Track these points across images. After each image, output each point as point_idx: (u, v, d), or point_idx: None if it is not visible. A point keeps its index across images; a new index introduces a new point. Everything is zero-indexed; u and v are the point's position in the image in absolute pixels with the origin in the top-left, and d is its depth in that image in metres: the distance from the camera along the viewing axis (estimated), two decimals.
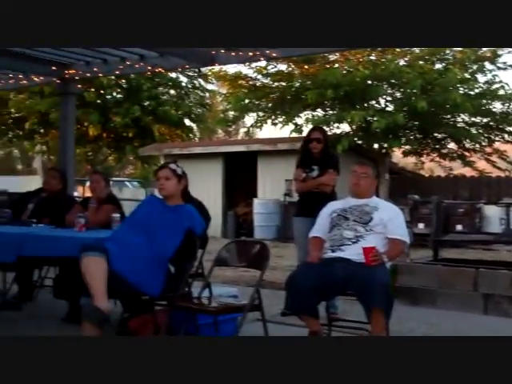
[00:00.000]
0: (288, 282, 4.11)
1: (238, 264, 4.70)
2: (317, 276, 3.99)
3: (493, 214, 12.43)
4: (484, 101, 15.24)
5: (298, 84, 15.76)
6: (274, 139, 16.68)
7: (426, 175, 20.03)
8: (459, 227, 12.59)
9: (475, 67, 15.23)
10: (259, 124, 17.20)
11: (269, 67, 16.00)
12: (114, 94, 19.55)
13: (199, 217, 4.36)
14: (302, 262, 4.75)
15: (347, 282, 3.99)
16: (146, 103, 19.13)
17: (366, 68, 14.42)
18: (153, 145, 18.60)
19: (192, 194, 4.69)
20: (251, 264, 4.51)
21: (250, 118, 18.28)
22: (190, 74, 20.04)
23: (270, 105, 16.80)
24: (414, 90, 14.16)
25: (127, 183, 23.32)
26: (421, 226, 12.69)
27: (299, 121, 16.03)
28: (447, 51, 15.23)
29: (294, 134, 15.63)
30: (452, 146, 16.85)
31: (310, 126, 14.10)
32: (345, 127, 16.21)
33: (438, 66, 15.42)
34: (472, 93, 15.16)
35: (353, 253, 4.07)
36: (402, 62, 15.09)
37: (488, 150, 16.54)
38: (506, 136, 16.14)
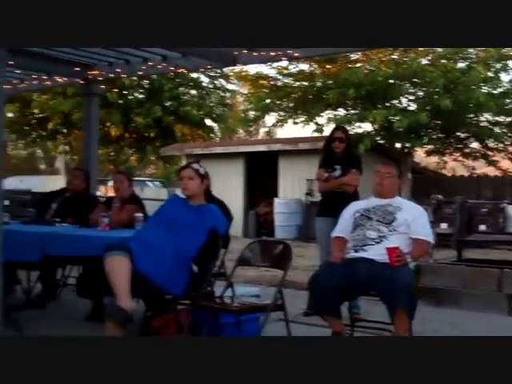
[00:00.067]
0: (311, 282, 4.10)
1: (260, 264, 4.71)
2: (340, 276, 3.98)
3: None
4: (507, 100, 15.10)
5: (319, 83, 15.72)
6: (295, 139, 16.66)
7: (449, 175, 19.89)
8: (482, 227, 12.49)
9: (499, 66, 15.08)
10: (280, 124, 17.21)
11: (290, 67, 15.99)
12: (136, 94, 19.66)
13: (222, 216, 4.37)
14: (324, 262, 4.73)
15: (370, 282, 3.97)
16: (168, 103, 19.23)
17: (389, 67, 14.35)
18: (174, 145, 18.68)
19: (213, 194, 4.71)
20: (274, 264, 4.52)
21: (270, 118, 18.29)
22: (211, 74, 20.09)
23: (291, 104, 16.78)
24: (437, 89, 14.06)
25: (149, 183, 23.42)
26: (443, 225, 12.60)
27: (320, 120, 16.03)
28: (470, 50, 15.10)
29: (316, 134, 15.61)
30: (475, 145, 16.73)
31: (332, 126, 14.10)
32: (366, 127, 16.18)
33: (461, 64, 15.30)
34: (495, 92, 15.03)
35: (376, 253, 4.05)
36: (424, 61, 14.99)
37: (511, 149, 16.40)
38: None
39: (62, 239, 4.84)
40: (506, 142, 16.16)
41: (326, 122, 15.58)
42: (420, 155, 19.63)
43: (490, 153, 16.51)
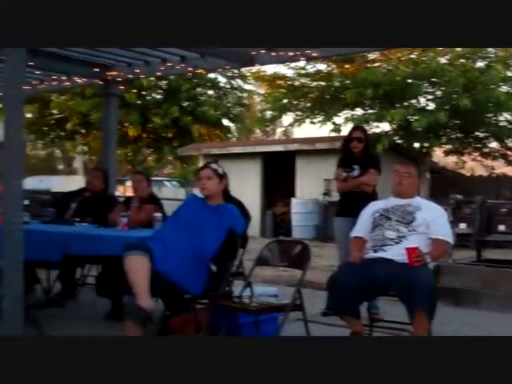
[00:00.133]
0: (330, 282, 4.09)
1: (279, 264, 4.71)
2: (359, 276, 3.97)
3: None
4: None
5: (337, 83, 15.69)
6: (313, 139, 16.63)
7: (468, 174, 19.76)
8: (502, 227, 12.36)
9: None
10: (298, 123, 17.19)
11: (308, 67, 15.97)
12: (154, 94, 19.73)
13: (240, 216, 4.37)
14: (343, 262, 4.73)
15: (389, 282, 3.95)
16: (185, 104, 19.28)
17: (407, 66, 14.28)
18: (191, 145, 18.73)
19: (231, 194, 4.72)
20: (292, 264, 4.52)
21: (287, 118, 18.28)
22: (228, 74, 20.12)
23: (308, 104, 16.76)
24: (456, 89, 13.97)
25: (166, 183, 23.50)
26: (462, 226, 12.51)
27: (338, 120, 15.99)
28: (489, 49, 14.98)
29: (333, 134, 15.57)
30: (494, 144, 16.61)
31: (349, 126, 14.06)
32: (385, 126, 16.12)
33: (480, 63, 15.19)
34: None
35: (395, 253, 4.03)
36: (443, 60, 14.90)
37: None
38: None
39: (81, 239, 4.88)
40: None
41: (344, 121, 15.56)
42: (438, 155, 19.52)
43: (509, 152, 16.38)
